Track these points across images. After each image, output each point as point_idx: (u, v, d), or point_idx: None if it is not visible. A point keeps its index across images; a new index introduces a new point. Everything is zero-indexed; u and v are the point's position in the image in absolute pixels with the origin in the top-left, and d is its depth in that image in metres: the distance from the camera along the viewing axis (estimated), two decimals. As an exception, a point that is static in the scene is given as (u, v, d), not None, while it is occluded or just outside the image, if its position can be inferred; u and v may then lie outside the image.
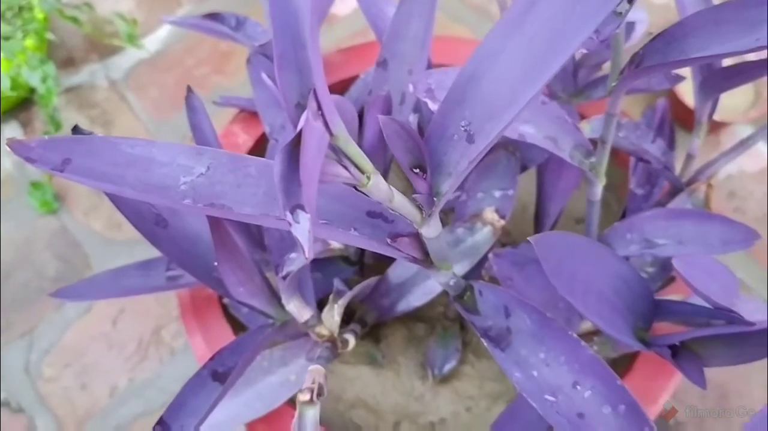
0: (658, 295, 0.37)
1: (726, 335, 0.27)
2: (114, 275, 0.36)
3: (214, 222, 0.27)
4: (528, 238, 0.23)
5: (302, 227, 0.16)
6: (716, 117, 0.63)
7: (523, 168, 0.38)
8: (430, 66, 0.38)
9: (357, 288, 0.35)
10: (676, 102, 0.65)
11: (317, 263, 0.42)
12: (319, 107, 0.17)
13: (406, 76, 0.36)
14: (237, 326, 0.40)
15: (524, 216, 0.46)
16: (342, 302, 0.33)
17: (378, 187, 0.20)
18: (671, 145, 0.42)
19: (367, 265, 0.42)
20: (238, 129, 0.45)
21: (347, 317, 0.41)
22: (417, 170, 0.21)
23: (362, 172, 0.20)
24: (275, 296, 0.33)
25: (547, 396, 0.26)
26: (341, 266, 0.42)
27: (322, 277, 0.40)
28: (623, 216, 0.42)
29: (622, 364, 0.40)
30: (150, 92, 0.71)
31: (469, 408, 0.41)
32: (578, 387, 0.26)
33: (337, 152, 0.19)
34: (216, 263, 0.28)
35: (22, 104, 0.70)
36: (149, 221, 0.31)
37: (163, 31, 0.74)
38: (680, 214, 0.33)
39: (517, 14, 0.20)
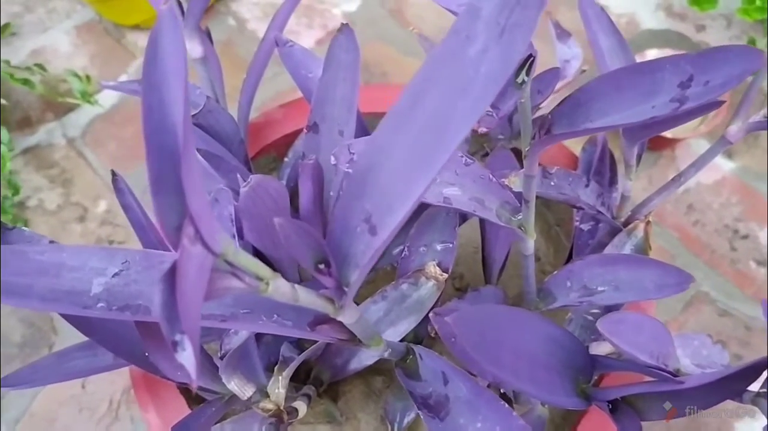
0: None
1: (660, 391, 0.27)
2: (58, 358, 0.36)
3: (139, 315, 0.27)
4: (445, 318, 0.23)
5: (187, 354, 0.16)
6: (669, 134, 0.64)
7: (464, 219, 0.38)
8: (360, 120, 0.38)
9: (304, 354, 0.35)
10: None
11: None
12: (197, 231, 0.17)
13: (337, 137, 0.36)
14: (192, 396, 0.40)
15: (476, 257, 0.46)
16: (287, 374, 0.33)
17: (279, 291, 0.20)
18: (613, 179, 0.43)
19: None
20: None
21: (304, 377, 0.41)
22: (322, 266, 0.21)
23: (260, 279, 0.19)
24: (218, 373, 0.32)
25: (483, 468, 0.26)
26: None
27: (273, 339, 0.40)
28: (571, 252, 0.42)
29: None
30: (108, 147, 0.71)
31: (431, 459, 0.40)
32: (513, 458, 0.26)
33: (230, 264, 0.19)
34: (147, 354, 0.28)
35: (-22, 170, 0.70)
36: (81, 311, 0.30)
37: (118, 85, 0.74)
38: (614, 259, 0.33)
39: (405, 108, 0.20)
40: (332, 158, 0.29)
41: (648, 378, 0.29)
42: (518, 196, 0.32)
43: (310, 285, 0.23)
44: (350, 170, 0.30)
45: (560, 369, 0.28)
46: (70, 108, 0.73)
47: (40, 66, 0.69)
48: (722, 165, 0.69)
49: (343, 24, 0.34)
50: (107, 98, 0.73)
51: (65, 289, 0.23)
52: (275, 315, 0.25)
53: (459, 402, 0.28)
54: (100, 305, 0.23)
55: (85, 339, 0.61)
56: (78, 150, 0.71)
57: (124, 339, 0.31)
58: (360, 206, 0.21)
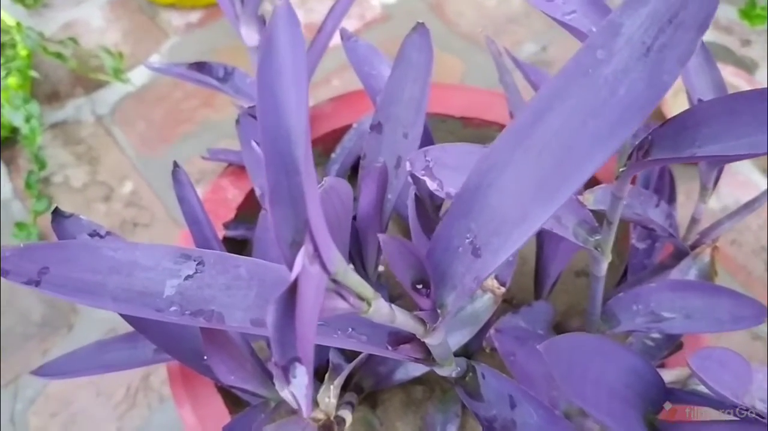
0: (666, 361, 0.36)
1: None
2: (97, 349, 0.35)
3: (204, 318, 0.26)
4: (537, 346, 0.22)
5: (299, 383, 0.15)
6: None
7: (524, 232, 0.37)
8: (425, 124, 0.37)
9: (354, 363, 0.34)
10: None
11: (311, 327, 0.40)
12: (316, 248, 0.15)
13: (401, 140, 0.34)
14: (228, 395, 0.39)
15: (523, 269, 0.45)
16: (338, 382, 0.32)
17: (380, 312, 0.19)
18: (672, 196, 0.41)
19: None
20: (227, 183, 0.44)
21: (343, 383, 0.40)
22: (420, 286, 0.20)
23: (362, 299, 0.18)
24: (269, 378, 0.31)
25: (556, 501, 0.25)
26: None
27: (315, 345, 0.38)
28: (625, 272, 0.41)
29: None
30: (137, 127, 0.70)
31: (470, 475, 0.39)
32: (589, 492, 0.24)
33: (335, 283, 0.18)
34: (205, 357, 0.27)
35: (6, 142, 0.68)
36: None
37: (150, 64, 0.73)
38: (686, 286, 0.31)
39: (525, 125, 0.19)
40: (408, 164, 0.28)
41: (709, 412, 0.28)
42: (594, 214, 0.30)
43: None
44: (419, 175, 0.28)
45: (634, 402, 0.27)
46: (100, 84, 0.71)
47: (74, 40, 0.68)
48: (762, 185, 0.68)
49: (418, 23, 0.33)
50: (139, 77, 0.72)
51: (138, 289, 0.22)
52: (350, 329, 0.24)
53: (528, 429, 0.27)
54: (173, 308, 0.22)
55: (104, 319, 0.60)
56: (106, 128, 0.69)
57: (171, 335, 0.30)
58: (464, 225, 0.20)
